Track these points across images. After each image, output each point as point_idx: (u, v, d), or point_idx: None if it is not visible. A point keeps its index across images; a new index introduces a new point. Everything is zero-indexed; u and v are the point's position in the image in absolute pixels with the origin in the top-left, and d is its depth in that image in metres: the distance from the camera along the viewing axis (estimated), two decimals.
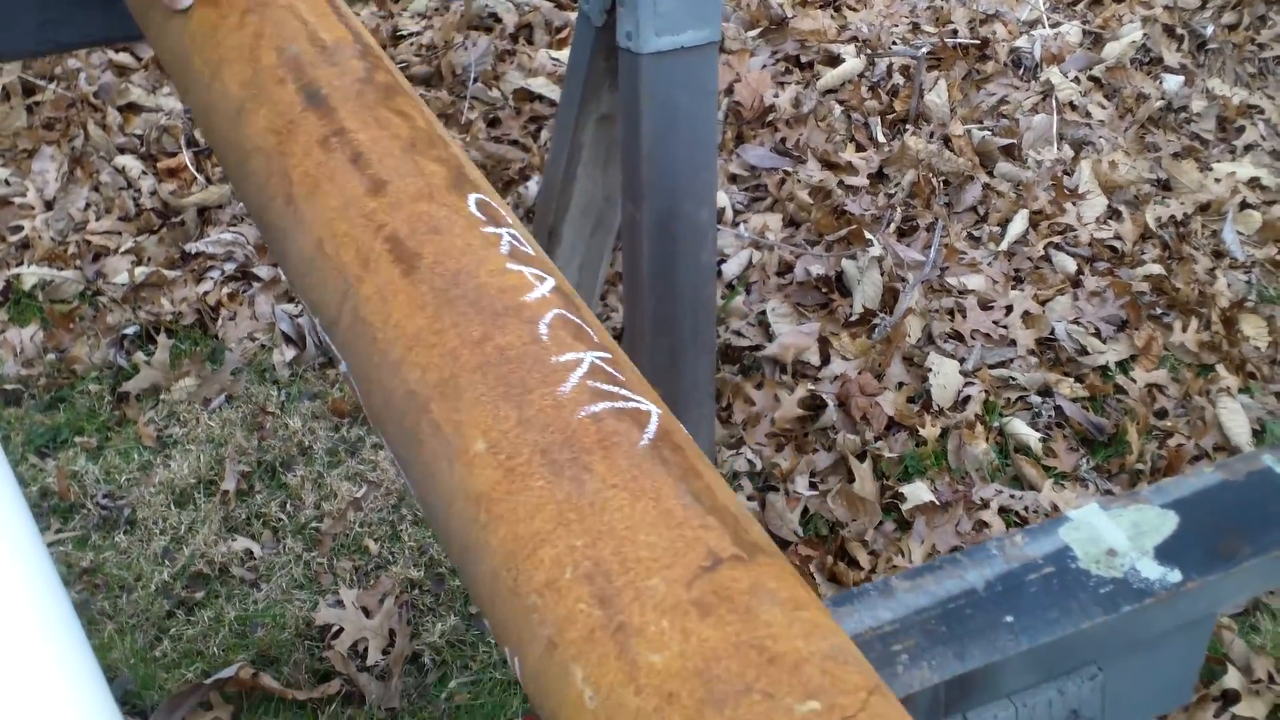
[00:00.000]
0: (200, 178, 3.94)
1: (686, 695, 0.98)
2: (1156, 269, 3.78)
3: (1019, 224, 3.94)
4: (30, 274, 3.63)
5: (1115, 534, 1.50)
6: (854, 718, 0.96)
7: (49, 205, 3.81)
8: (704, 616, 1.01)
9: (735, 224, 3.95)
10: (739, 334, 3.66)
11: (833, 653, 1.00)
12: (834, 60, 4.54)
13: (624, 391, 1.19)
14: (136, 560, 3.08)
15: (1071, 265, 3.83)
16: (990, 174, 4.15)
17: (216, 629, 2.92)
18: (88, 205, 3.79)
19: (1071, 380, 3.55)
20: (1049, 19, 4.82)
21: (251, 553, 3.10)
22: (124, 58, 4.37)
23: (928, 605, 1.44)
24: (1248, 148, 4.28)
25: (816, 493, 3.21)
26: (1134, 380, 3.53)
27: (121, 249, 3.71)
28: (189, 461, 3.31)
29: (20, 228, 3.80)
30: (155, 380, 3.53)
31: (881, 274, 3.74)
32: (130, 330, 3.59)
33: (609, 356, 1.22)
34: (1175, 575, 1.45)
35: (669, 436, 1.17)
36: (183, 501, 3.23)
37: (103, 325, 3.60)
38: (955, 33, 4.69)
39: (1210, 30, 4.66)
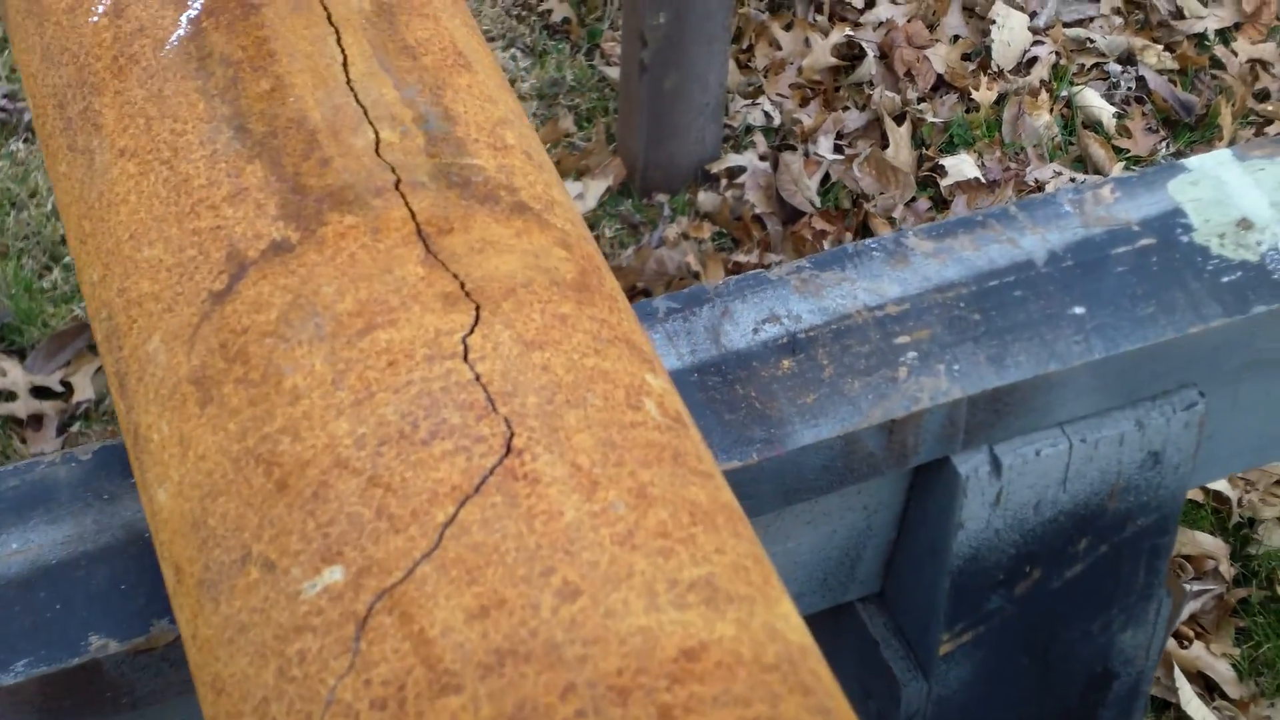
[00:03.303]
0: None
1: (189, 570, 0.62)
2: None
3: None
4: None
5: (1253, 196, 1.00)
6: (395, 589, 0.55)
7: None
8: (204, 404, 0.63)
9: None
10: None
11: (406, 423, 0.61)
12: None
13: None
14: (33, 174, 2.61)
15: None
16: None
17: None
18: None
19: (1160, 48, 2.98)
20: None
21: None
22: None
23: (957, 280, 0.95)
24: None
25: (841, 157, 2.70)
26: (1235, 53, 2.96)
27: None
28: None
29: None
30: None
31: None
32: None
33: None
34: None
35: None
36: None
37: None
38: None
39: None
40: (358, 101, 0.69)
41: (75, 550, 0.78)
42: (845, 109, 2.85)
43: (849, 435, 0.87)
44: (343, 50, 0.71)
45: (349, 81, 0.70)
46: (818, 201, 2.65)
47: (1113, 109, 2.84)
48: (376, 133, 0.68)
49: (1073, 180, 2.71)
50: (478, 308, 0.62)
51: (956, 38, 2.96)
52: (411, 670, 0.52)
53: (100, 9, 0.74)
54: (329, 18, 0.73)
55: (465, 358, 0.60)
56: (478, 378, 0.59)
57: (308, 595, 0.55)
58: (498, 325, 0.61)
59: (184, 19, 0.72)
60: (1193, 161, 1.02)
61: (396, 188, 0.66)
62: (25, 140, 2.70)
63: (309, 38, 0.71)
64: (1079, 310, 0.93)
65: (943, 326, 0.91)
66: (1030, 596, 1.00)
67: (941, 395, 0.88)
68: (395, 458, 0.57)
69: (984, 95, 2.83)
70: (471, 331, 0.61)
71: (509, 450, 0.57)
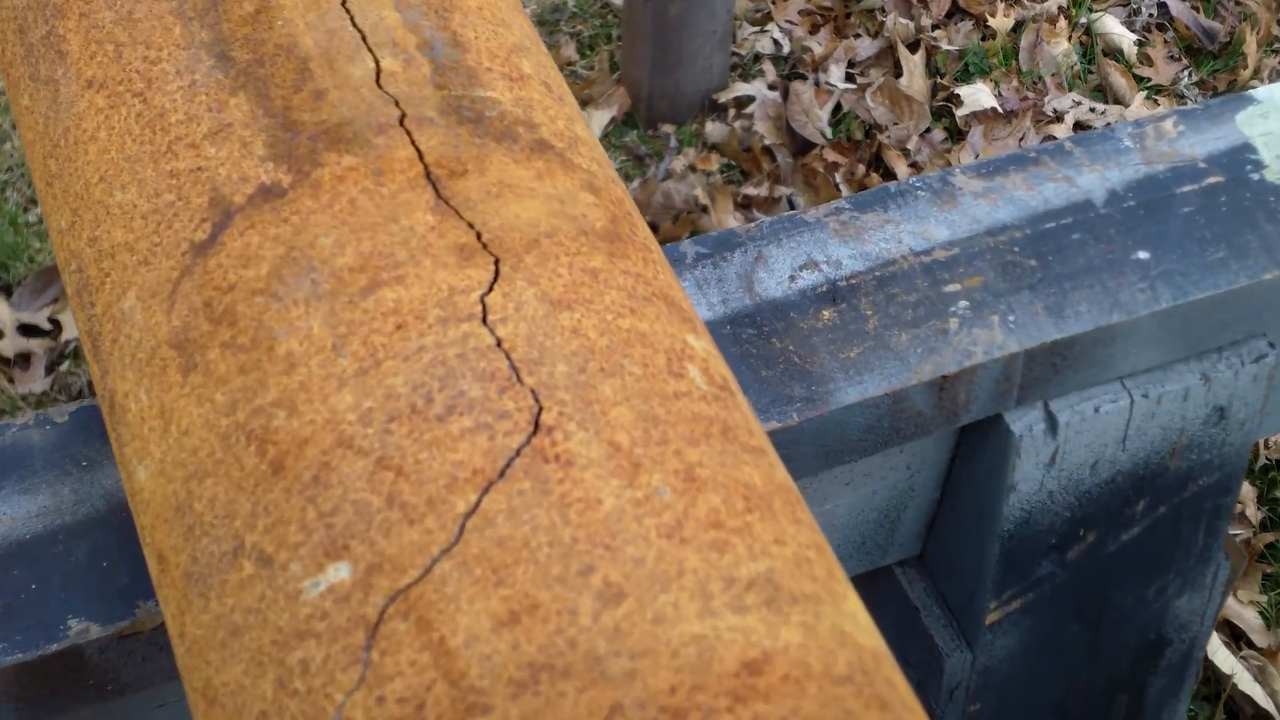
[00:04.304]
0: None
1: (174, 560, 0.54)
2: None
3: None
4: None
5: None
6: (410, 590, 0.48)
7: None
8: (187, 372, 0.55)
9: None
10: None
11: (419, 396, 0.53)
12: None
13: None
14: None
15: None
16: None
17: None
18: None
19: None
20: None
21: None
22: None
23: (1010, 222, 0.87)
24: None
25: (853, 86, 2.61)
26: None
27: None
28: None
29: None
30: None
31: None
32: None
33: None
34: None
35: None
36: None
37: None
38: None
39: None
40: (354, 25, 0.61)
41: (52, 523, 0.71)
42: (856, 36, 2.75)
43: (896, 393, 0.79)
44: None
45: (344, 2, 0.62)
46: (829, 132, 2.57)
47: (1133, 36, 2.75)
48: (377, 61, 0.60)
49: (1092, 110, 2.63)
50: (497, 262, 0.54)
51: None
52: (432, 686, 0.45)
53: None
54: None
55: (484, 320, 0.52)
56: (499, 343, 0.52)
57: (310, 595, 0.48)
58: (520, 282, 0.54)
59: None
60: (1261, 92, 0.94)
61: (401, 124, 0.58)
62: None
63: None
64: (1143, 255, 0.85)
65: (996, 273, 0.84)
66: (1083, 561, 0.93)
67: (996, 349, 0.81)
68: (407, 436, 0.50)
69: (1000, 22, 2.73)
70: (490, 289, 0.53)
71: (537, 427, 0.50)
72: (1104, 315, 0.83)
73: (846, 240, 0.85)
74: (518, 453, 0.49)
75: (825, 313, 0.82)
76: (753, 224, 0.85)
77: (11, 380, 2.20)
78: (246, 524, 0.50)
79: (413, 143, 0.57)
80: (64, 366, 2.20)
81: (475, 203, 0.56)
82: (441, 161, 0.57)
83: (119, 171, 0.59)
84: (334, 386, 0.51)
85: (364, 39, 0.61)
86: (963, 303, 0.83)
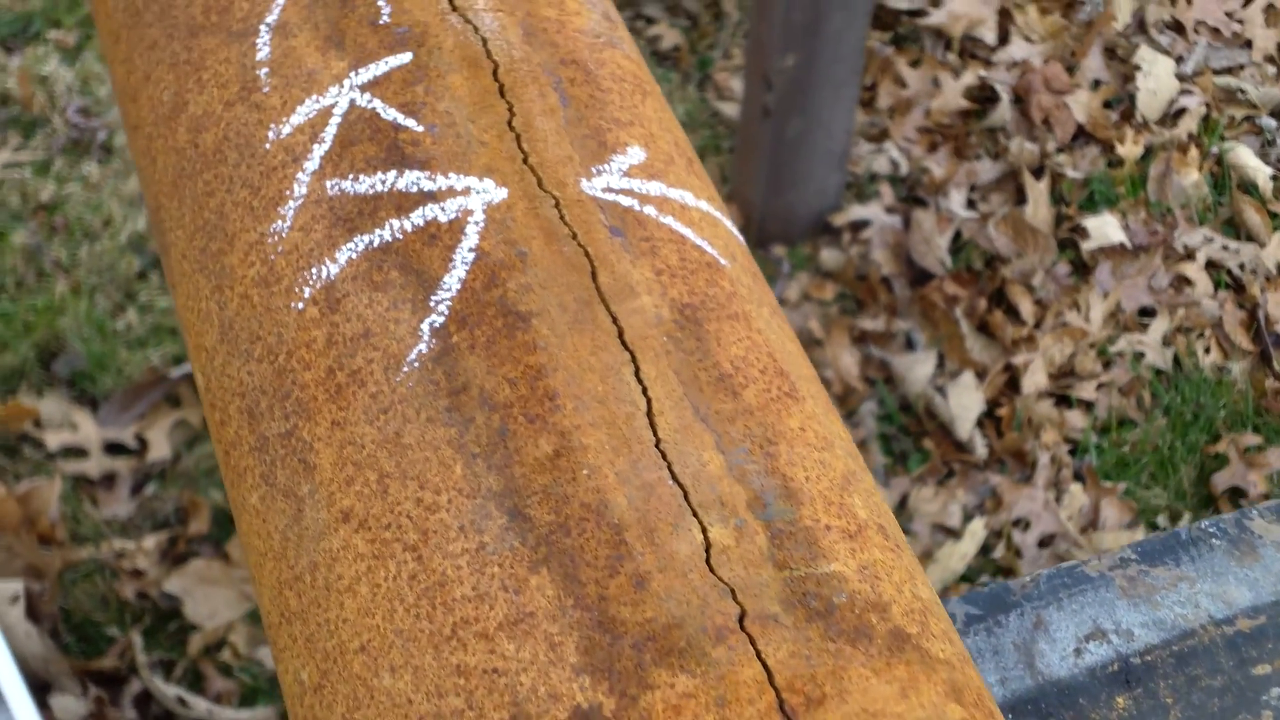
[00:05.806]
0: None
1: None
2: None
3: None
4: None
5: None
6: None
7: None
8: None
9: None
10: None
11: None
12: None
13: (411, 178, 0.60)
14: (108, 200, 2.45)
15: None
16: None
17: None
18: None
19: None
20: None
21: None
22: None
23: None
24: None
25: (975, 214, 2.50)
26: None
27: None
28: None
29: None
30: None
31: None
32: None
33: (406, 61, 0.57)
34: None
35: (497, 279, 0.58)
36: None
37: None
38: None
39: None
40: (674, 477, 0.51)
41: None
42: (977, 157, 2.65)
43: None
44: (644, 389, 0.53)
45: (658, 443, 0.52)
46: (949, 262, 2.46)
47: (1269, 170, 2.63)
48: (705, 531, 0.50)
49: (1225, 249, 2.51)
50: None
51: (1097, 83, 2.74)
52: None
53: (306, 293, 0.57)
54: (620, 335, 0.54)
55: None
56: None
57: None
58: None
59: (425, 327, 0.54)
60: None
61: (741, 625, 0.48)
62: (100, 161, 2.53)
63: (598, 369, 0.53)
64: None
65: None
66: None
67: None
68: None
69: (1129, 149, 2.62)
70: None
71: None
72: None
73: (1136, 603, 0.74)
74: None
75: (1120, 700, 0.71)
76: (1028, 578, 0.75)
77: (95, 502, 2.12)
78: None
79: (758, 655, 0.47)
80: (149, 490, 2.12)
81: None
82: (794, 684, 0.46)
83: (387, 647, 0.49)
84: None
85: (686, 496, 0.50)
86: (1275, 690, 0.72)
